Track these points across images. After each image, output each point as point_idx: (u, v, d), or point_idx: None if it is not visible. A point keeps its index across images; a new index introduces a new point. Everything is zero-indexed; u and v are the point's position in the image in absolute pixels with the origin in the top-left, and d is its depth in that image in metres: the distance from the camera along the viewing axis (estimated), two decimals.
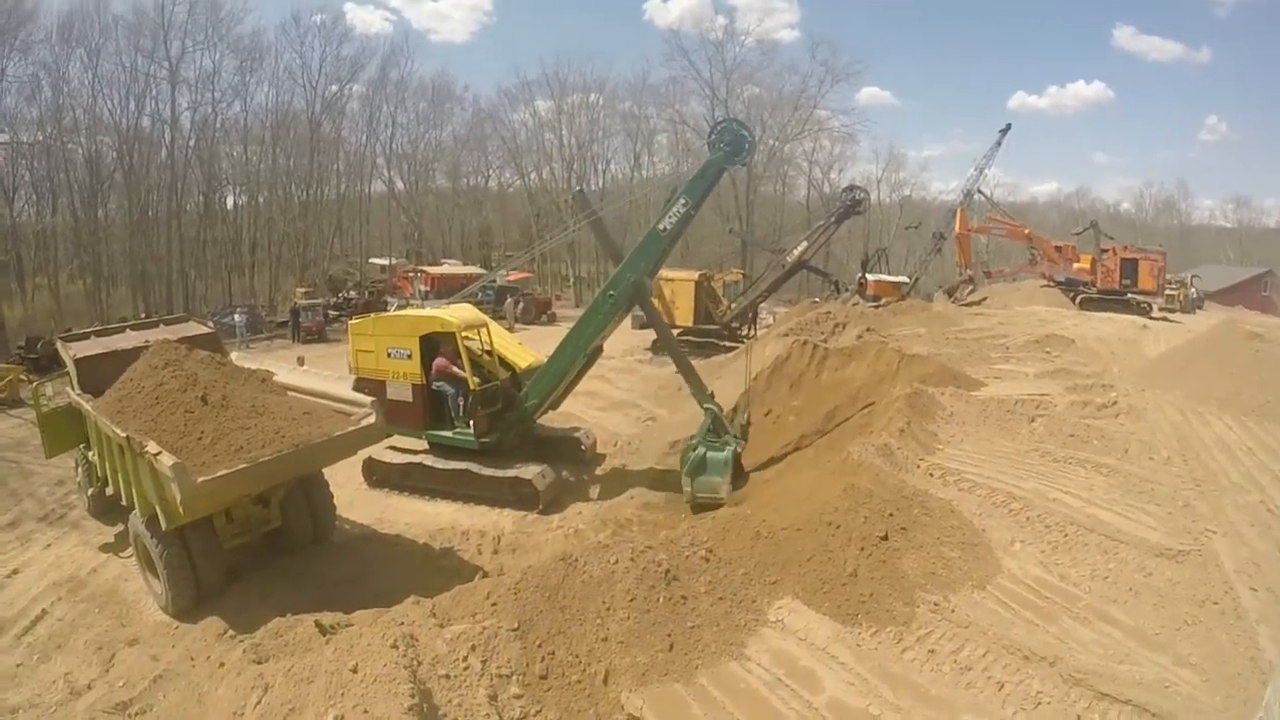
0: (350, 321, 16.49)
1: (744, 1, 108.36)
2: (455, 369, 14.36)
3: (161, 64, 48.11)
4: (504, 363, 15.45)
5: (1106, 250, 39.84)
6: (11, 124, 43.73)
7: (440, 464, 14.51)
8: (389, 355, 14.60)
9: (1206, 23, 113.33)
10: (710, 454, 13.38)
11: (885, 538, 8.38)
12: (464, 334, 14.49)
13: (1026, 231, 44.02)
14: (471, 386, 14.16)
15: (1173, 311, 39.23)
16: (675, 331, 31.12)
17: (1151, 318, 35.63)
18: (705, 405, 14.07)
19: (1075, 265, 41.26)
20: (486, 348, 15.24)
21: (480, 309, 18.08)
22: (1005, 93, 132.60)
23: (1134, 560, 8.56)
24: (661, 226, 13.88)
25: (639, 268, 14.09)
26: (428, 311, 16.47)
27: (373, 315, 17.20)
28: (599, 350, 15.46)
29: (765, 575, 7.95)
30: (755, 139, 15.17)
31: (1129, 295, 38.11)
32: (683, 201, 13.70)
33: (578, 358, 14.68)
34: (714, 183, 14.20)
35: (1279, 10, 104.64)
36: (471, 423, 14.31)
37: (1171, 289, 40.93)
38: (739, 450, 13.76)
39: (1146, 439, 12.22)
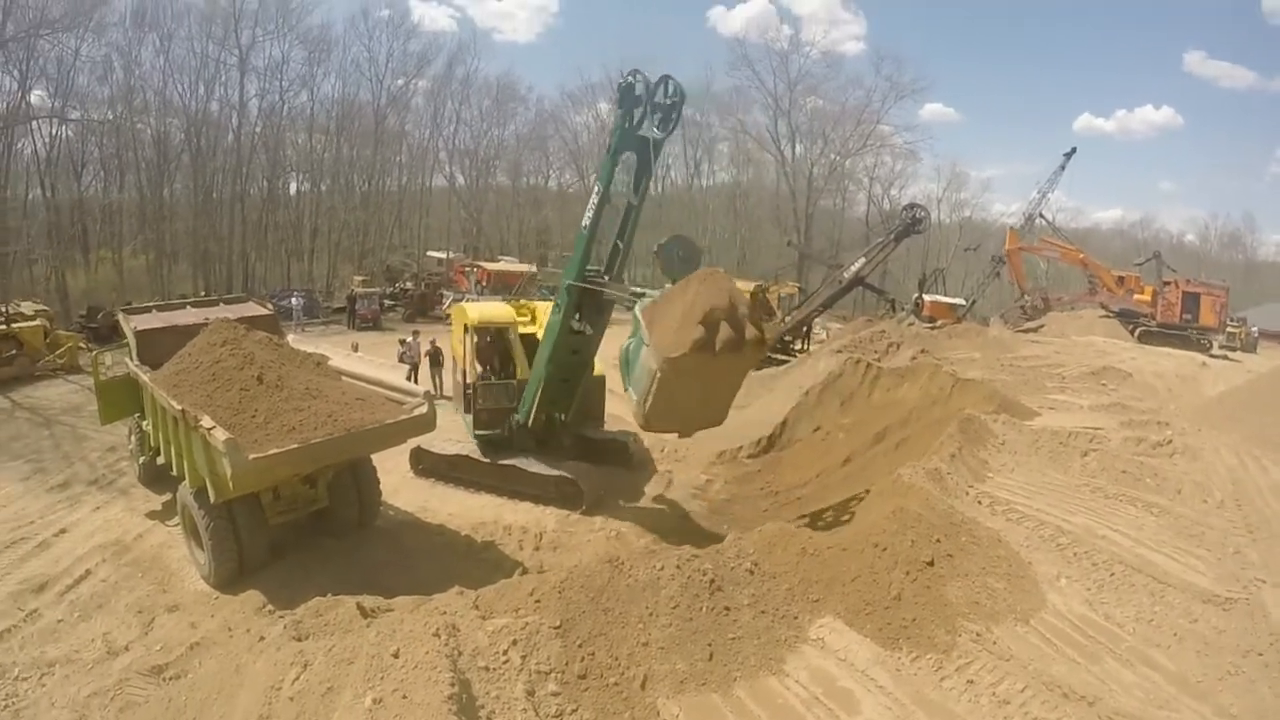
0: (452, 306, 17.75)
1: (809, 11, 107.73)
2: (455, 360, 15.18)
3: (232, 51, 49.17)
4: None
5: (1169, 283, 38.92)
6: (83, 102, 44.84)
7: (487, 458, 14.65)
8: (460, 342, 15.46)
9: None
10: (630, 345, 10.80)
11: (931, 563, 8.25)
12: (477, 328, 15.00)
13: (1081, 256, 43.08)
14: (469, 379, 14.72)
15: (1233, 349, 38.22)
16: None
17: (1212, 355, 34.67)
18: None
19: (1136, 297, 40.36)
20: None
21: None
22: (1071, 114, 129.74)
23: (1180, 604, 8.31)
24: (582, 223, 13.10)
25: (570, 272, 13.16)
26: (464, 305, 17.55)
27: (463, 303, 18.56)
28: (587, 366, 14.36)
29: (809, 592, 7.88)
30: (656, 85, 11.85)
31: (1189, 330, 37.16)
32: (596, 191, 12.91)
33: (539, 373, 13.87)
34: (616, 160, 12.45)
35: None
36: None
37: (1233, 326, 39.88)
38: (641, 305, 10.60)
39: (1200, 480, 11.83)
